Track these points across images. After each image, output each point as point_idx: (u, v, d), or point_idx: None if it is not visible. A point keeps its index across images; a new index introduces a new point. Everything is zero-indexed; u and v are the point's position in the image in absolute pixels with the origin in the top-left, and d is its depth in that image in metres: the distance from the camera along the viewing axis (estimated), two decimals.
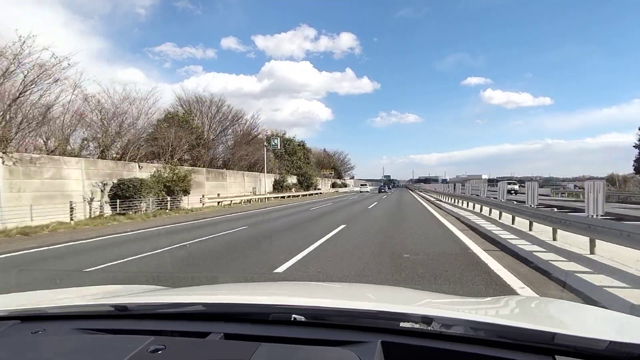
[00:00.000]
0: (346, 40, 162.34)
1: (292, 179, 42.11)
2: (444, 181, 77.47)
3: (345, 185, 70.85)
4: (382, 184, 70.19)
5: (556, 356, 0.83)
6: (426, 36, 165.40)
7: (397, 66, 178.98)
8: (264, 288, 2.11)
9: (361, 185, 64.94)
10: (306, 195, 41.28)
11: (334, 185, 62.56)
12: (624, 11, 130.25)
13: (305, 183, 43.39)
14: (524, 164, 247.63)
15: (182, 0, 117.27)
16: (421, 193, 49.57)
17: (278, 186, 35.68)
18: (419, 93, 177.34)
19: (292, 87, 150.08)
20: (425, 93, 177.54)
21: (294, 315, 1.00)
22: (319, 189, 50.73)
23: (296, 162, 43.68)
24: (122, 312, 1.13)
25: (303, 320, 0.99)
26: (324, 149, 73.68)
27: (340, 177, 72.04)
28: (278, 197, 33.21)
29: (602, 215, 7.11)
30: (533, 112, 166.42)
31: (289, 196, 36.03)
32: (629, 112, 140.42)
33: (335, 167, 69.96)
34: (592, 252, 6.38)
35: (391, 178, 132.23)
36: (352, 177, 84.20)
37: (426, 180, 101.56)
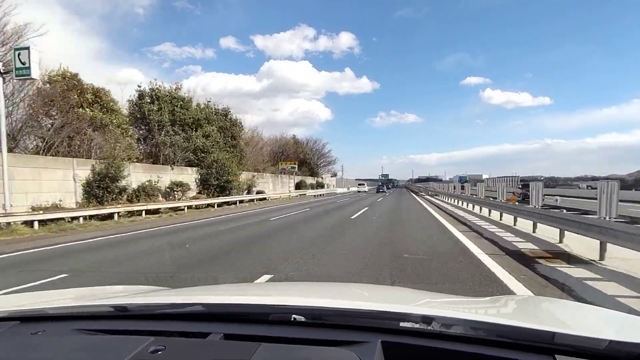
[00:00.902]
0: (345, 40, 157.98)
1: (185, 175, 21.38)
2: (462, 179, 56.91)
3: (321, 186, 50.09)
4: (380, 183, 64.06)
5: (556, 356, 0.81)
6: (426, 36, 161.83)
7: (397, 66, 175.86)
8: (264, 288, 2.16)
9: (359, 184, 60.14)
10: (212, 206, 20.59)
11: (299, 186, 41.73)
12: (624, 11, 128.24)
13: (215, 182, 22.52)
14: (524, 164, 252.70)
15: (180, 0, 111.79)
16: (434, 199, 28.70)
17: (99, 189, 14.81)
18: (418, 93, 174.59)
19: (291, 87, 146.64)
20: (425, 93, 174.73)
21: (294, 316, 0.98)
22: (260, 193, 30.03)
23: (195, 142, 22.69)
24: (122, 312, 1.12)
25: (303, 320, 0.98)
26: (293, 135, 53.02)
27: (314, 174, 50.99)
28: (83, 216, 12.56)
29: None
30: (533, 112, 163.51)
31: (145, 212, 15.46)
32: (628, 112, 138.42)
33: (305, 159, 49.00)
34: None
35: (390, 177, 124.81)
36: (335, 175, 63.18)
37: (428, 180, 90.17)
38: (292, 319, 0.97)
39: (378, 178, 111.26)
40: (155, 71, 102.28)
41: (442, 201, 25.24)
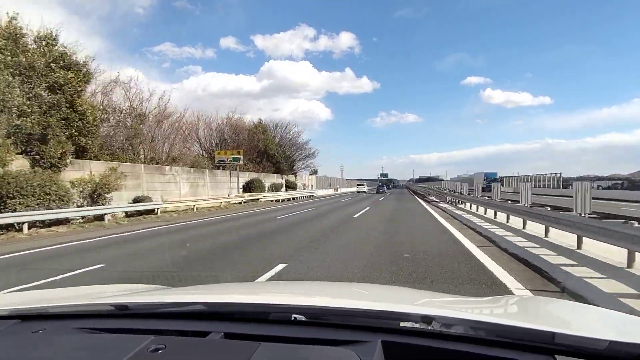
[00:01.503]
0: (346, 39, 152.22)
1: None
2: (489, 177, 43.06)
3: (292, 187, 36.34)
4: (379, 183, 61.75)
5: (556, 356, 0.80)
6: (426, 36, 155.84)
7: (397, 66, 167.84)
8: (265, 287, 2.19)
9: (358, 185, 58.56)
10: None
11: (250, 188, 27.83)
12: (624, 11, 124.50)
13: None
14: (524, 164, 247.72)
15: (180, 0, 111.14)
16: (465, 214, 14.89)
17: None
18: (419, 93, 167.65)
19: (291, 87, 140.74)
20: (425, 93, 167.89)
21: (294, 315, 0.97)
22: (142, 201, 16.37)
23: None
24: (122, 311, 1.10)
25: (303, 319, 0.97)
26: (260, 119, 39.16)
27: (279, 170, 36.82)
28: None
29: None
30: (533, 112, 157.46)
31: None
32: (629, 112, 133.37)
33: (267, 150, 35.03)
34: None
35: (390, 177, 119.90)
36: (315, 173, 48.77)
37: (429, 179, 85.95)
38: (293, 319, 0.96)
39: (377, 178, 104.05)
40: (156, 71, 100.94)
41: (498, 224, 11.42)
